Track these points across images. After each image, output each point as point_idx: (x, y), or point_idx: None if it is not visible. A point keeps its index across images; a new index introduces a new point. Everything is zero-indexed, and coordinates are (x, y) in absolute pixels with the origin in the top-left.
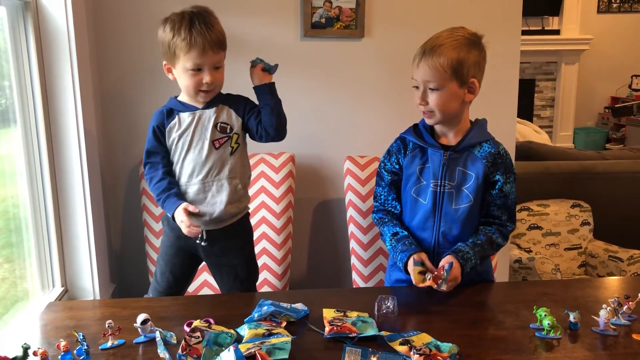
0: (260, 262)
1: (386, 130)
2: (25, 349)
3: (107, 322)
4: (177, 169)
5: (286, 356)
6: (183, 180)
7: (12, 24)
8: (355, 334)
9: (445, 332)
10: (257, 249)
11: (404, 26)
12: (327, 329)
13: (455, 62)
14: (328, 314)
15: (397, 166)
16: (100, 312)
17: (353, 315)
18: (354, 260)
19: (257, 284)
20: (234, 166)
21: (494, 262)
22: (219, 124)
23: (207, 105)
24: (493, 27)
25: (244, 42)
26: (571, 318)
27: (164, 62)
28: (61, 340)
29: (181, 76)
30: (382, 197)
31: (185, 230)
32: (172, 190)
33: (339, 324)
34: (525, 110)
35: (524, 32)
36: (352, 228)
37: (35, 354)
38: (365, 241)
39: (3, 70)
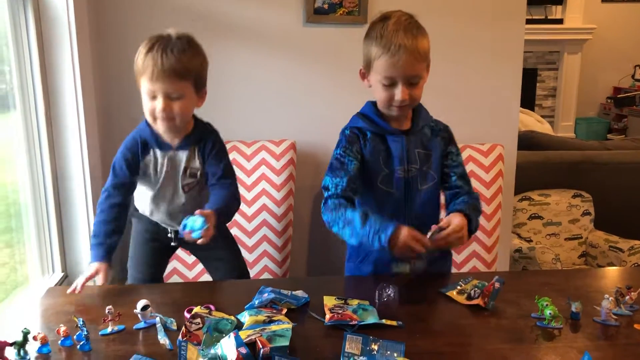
0: (260, 250)
1: (350, 119)
2: (25, 334)
3: (107, 307)
4: (142, 199)
5: (287, 343)
6: (147, 210)
7: (12, 9)
8: (356, 322)
9: (447, 321)
10: (257, 237)
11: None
12: (327, 316)
13: (428, 50)
14: (329, 301)
15: (359, 155)
16: (100, 298)
17: (354, 303)
18: None
19: (257, 271)
20: (204, 198)
21: (495, 252)
22: (188, 170)
23: (181, 146)
24: (497, 16)
25: (246, 29)
26: (573, 308)
27: None
28: (61, 325)
29: (143, 100)
30: (340, 186)
31: (82, 280)
32: (111, 240)
33: (340, 311)
34: (527, 100)
35: (526, 22)
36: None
37: (35, 339)
38: None
39: (3, 55)
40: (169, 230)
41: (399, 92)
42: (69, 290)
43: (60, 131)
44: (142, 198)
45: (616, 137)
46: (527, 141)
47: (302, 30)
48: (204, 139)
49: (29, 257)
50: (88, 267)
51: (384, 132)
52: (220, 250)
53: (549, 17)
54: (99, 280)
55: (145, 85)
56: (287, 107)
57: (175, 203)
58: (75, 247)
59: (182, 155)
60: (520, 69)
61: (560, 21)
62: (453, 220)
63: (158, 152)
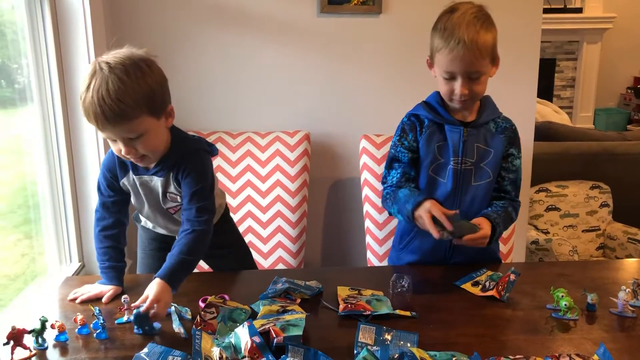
0: (275, 241)
1: (404, 108)
2: (43, 322)
3: (123, 297)
4: (141, 213)
5: (300, 333)
6: (149, 224)
7: (28, 2)
8: (369, 312)
9: (461, 311)
10: (271, 227)
11: (423, 2)
12: (341, 306)
13: (493, 45)
14: (342, 291)
15: (414, 144)
16: None
17: (367, 293)
18: (368, 239)
19: (272, 262)
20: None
21: (510, 243)
22: (168, 194)
23: (155, 172)
24: (514, 5)
25: (261, 20)
26: (589, 299)
27: None
28: (78, 314)
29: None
30: (395, 178)
31: (89, 295)
32: (118, 264)
33: (353, 301)
34: (545, 91)
35: (545, 11)
36: (367, 207)
37: (52, 327)
38: (381, 220)
39: (20, 48)
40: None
41: (458, 87)
42: (69, 297)
43: (77, 124)
44: (140, 212)
45: (636, 128)
46: (545, 132)
47: (317, 21)
48: (177, 165)
49: (47, 248)
50: (98, 285)
51: (443, 121)
52: (233, 261)
53: (568, 6)
54: (105, 299)
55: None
56: (301, 98)
57: (168, 221)
58: (91, 238)
59: (157, 181)
60: (537, 59)
61: (579, 10)
62: (482, 227)
63: (134, 176)
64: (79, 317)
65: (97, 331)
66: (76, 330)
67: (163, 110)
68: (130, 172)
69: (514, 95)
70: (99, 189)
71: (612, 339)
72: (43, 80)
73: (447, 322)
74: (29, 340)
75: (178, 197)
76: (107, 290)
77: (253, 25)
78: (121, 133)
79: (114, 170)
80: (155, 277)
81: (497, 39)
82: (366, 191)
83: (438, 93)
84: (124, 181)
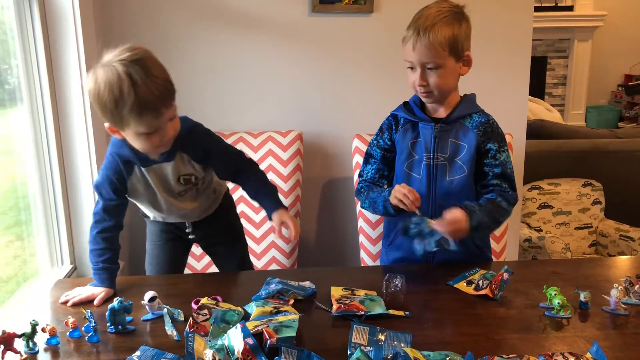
0: (268, 241)
1: (395, 107)
2: (34, 326)
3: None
4: (146, 210)
5: (293, 334)
6: (158, 217)
7: (17, 2)
8: (363, 312)
9: (454, 311)
10: (265, 228)
11: (414, 1)
12: (334, 307)
13: (451, 38)
14: (336, 292)
15: (389, 142)
16: None
17: (361, 293)
18: (362, 238)
19: (265, 262)
20: (205, 197)
21: (503, 241)
22: (181, 177)
23: (164, 158)
24: (505, 4)
25: (252, 19)
26: (582, 297)
27: None
28: (69, 317)
29: (137, 140)
30: (370, 174)
31: (80, 298)
32: (112, 266)
33: (347, 302)
34: (537, 88)
35: (536, 9)
36: (360, 206)
37: (43, 330)
38: (374, 220)
39: (9, 48)
40: (187, 225)
41: (417, 77)
42: (61, 300)
43: (68, 124)
44: (145, 209)
45: (627, 126)
46: (537, 130)
47: (308, 20)
48: (188, 145)
49: (38, 250)
50: (89, 287)
51: (416, 118)
52: (231, 246)
53: (558, 4)
54: (97, 302)
55: (129, 131)
56: (293, 97)
57: (178, 207)
58: (83, 239)
59: (167, 167)
60: (528, 57)
61: (570, 8)
62: (449, 213)
63: (142, 169)
64: (71, 320)
65: (89, 334)
66: (67, 333)
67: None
68: (136, 167)
69: (506, 93)
70: (99, 193)
71: (605, 336)
72: (33, 80)
73: (441, 321)
74: (19, 344)
75: (192, 178)
76: (98, 292)
77: (244, 24)
78: (159, 119)
79: (118, 170)
80: (274, 212)
81: (464, 36)
82: None
83: None
84: (132, 179)
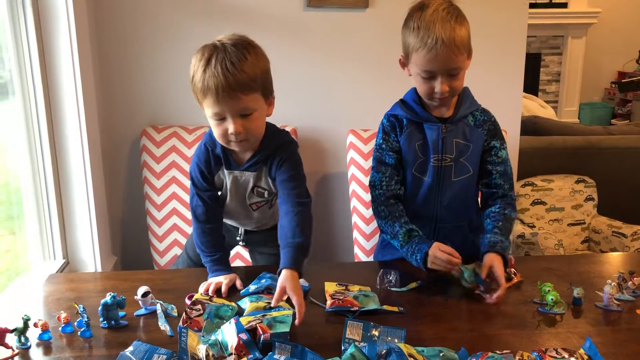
0: None
1: (390, 103)
2: (26, 321)
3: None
4: None
5: (287, 329)
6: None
7: None
8: (357, 308)
9: (448, 306)
10: None
11: None
12: (328, 302)
13: (467, 38)
14: (330, 287)
15: (397, 144)
16: (101, 284)
17: (355, 289)
18: (356, 234)
19: None
20: (275, 213)
21: None
22: (256, 189)
23: (249, 167)
24: (500, 0)
25: (247, 13)
26: (575, 293)
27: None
28: (62, 312)
29: (210, 123)
30: (384, 183)
31: (212, 287)
32: (224, 256)
33: (341, 297)
34: (531, 85)
35: (530, 5)
36: (354, 202)
37: (35, 325)
38: (368, 215)
39: (1, 41)
40: (240, 230)
41: (438, 85)
42: (201, 290)
43: (60, 117)
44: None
45: (620, 122)
46: (531, 126)
47: (303, 15)
48: (271, 156)
49: (30, 244)
50: (220, 276)
51: (421, 119)
52: (274, 257)
53: (553, 1)
54: (224, 288)
55: (209, 108)
56: (288, 92)
57: (244, 216)
58: (76, 234)
59: (249, 176)
60: (523, 53)
61: (564, 5)
62: (496, 269)
63: (225, 171)
64: (63, 315)
65: (81, 329)
66: (60, 328)
67: (270, 93)
68: (223, 167)
69: (500, 90)
70: (192, 182)
71: (598, 332)
72: (25, 73)
73: (435, 317)
74: (11, 339)
75: (265, 193)
76: (228, 280)
77: (239, 18)
78: (237, 106)
79: (208, 160)
80: (281, 269)
81: (470, 31)
82: (353, 186)
83: (414, 90)
84: (219, 174)
